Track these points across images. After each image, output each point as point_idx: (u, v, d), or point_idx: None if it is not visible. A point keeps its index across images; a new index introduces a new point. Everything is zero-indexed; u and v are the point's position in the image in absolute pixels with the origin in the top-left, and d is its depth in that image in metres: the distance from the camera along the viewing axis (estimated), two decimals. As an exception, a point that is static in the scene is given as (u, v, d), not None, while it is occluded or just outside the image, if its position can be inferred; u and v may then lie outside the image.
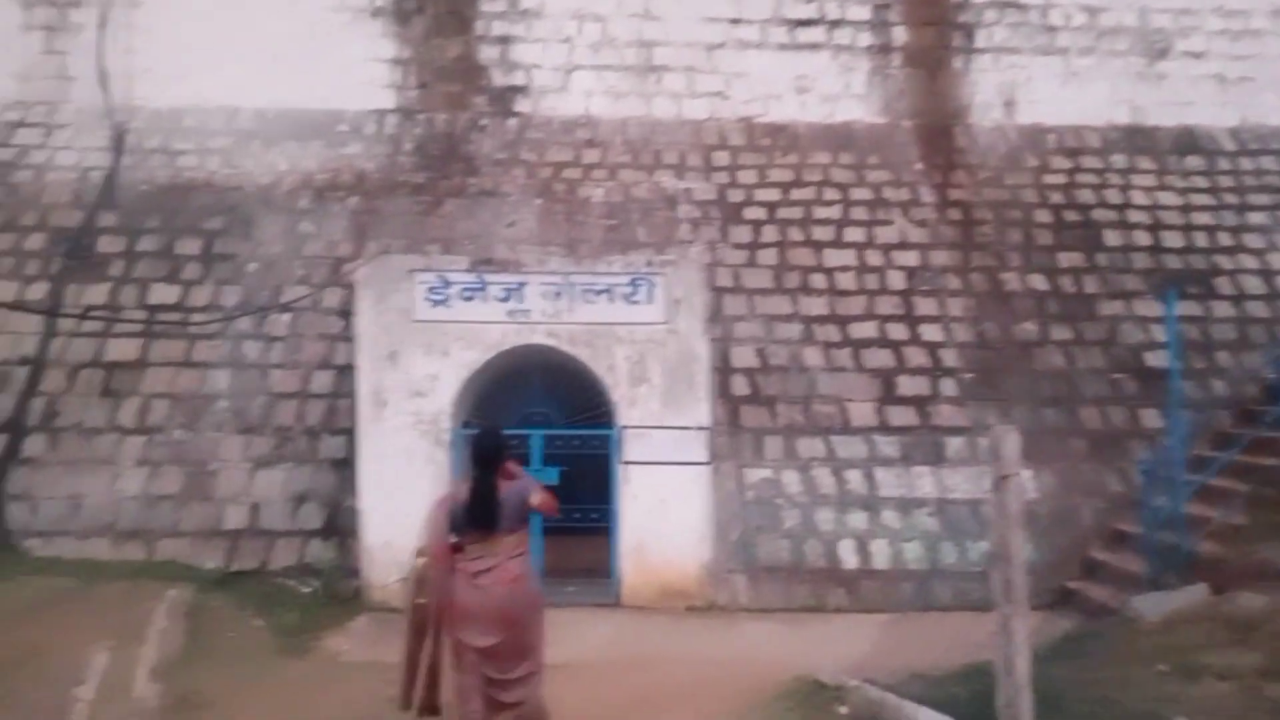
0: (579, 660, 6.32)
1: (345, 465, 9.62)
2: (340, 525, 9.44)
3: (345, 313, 10.58)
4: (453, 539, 5.17)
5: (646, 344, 9.39)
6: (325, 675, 7.11)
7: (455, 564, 5.14)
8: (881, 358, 10.85)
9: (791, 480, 9.95)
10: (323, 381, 10.37)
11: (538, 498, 5.31)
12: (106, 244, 11.26)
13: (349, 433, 9.67)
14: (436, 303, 9.44)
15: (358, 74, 12.63)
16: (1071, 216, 12.17)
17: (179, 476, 9.68)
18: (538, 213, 11.91)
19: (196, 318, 10.59)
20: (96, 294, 10.81)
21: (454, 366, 9.35)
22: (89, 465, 9.68)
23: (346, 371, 10.14)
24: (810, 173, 12.49)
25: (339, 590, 8.95)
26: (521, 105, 12.81)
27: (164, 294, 10.91)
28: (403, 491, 9.07)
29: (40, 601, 7.72)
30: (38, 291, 10.68)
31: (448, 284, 9.46)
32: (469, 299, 9.46)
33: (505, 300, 9.45)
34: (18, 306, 10.14)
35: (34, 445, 9.77)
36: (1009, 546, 4.26)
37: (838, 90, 12.99)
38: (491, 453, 5.30)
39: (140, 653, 6.80)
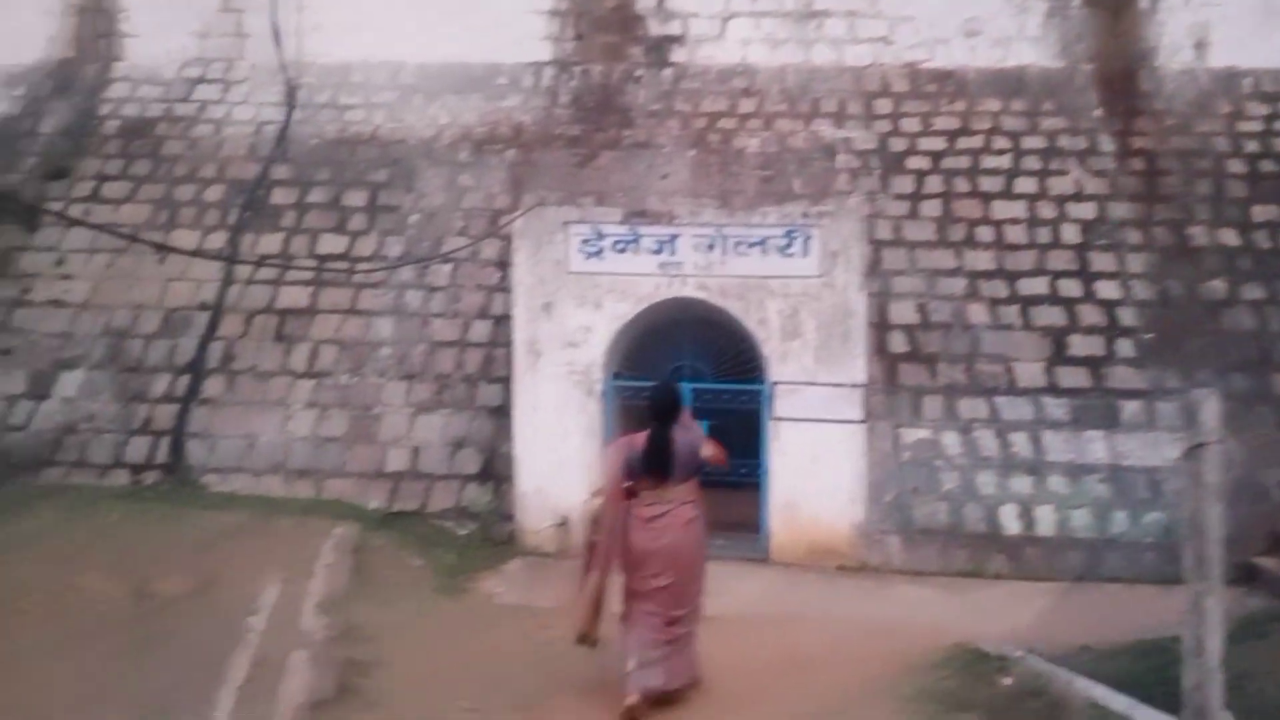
0: (729, 614, 6.27)
1: (501, 413, 9.81)
2: (496, 470, 9.65)
3: (503, 264, 10.76)
4: (628, 484, 5.50)
5: (801, 298, 9.15)
6: (479, 616, 7.31)
7: (630, 508, 5.48)
8: (1052, 315, 10.27)
9: (951, 442, 9.57)
10: (481, 331, 10.59)
11: (708, 450, 5.63)
12: (280, 195, 11.76)
13: (505, 381, 9.84)
14: (590, 254, 9.45)
15: (516, 27, 12.70)
16: (1268, 166, 11.18)
17: (345, 419, 10.09)
18: (691, 164, 11.76)
19: (362, 267, 10.97)
20: (270, 243, 11.33)
21: (606, 318, 9.36)
22: (262, 406, 10.19)
23: (503, 321, 10.32)
24: (979, 120, 11.87)
25: (494, 533, 9.18)
26: (677, 55, 12.63)
27: (332, 244, 11.33)
28: (555, 440, 9.23)
29: (217, 535, 8.17)
30: (217, 240, 11.27)
31: (601, 236, 9.45)
32: (621, 251, 9.43)
33: (657, 252, 9.37)
34: (199, 254, 10.71)
35: (213, 386, 10.34)
36: (1204, 519, 3.91)
37: (1011, 33, 12.26)
38: (669, 404, 5.65)
39: (308, 587, 7.12)
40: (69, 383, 10.33)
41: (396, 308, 10.78)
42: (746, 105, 12.27)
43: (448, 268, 11.02)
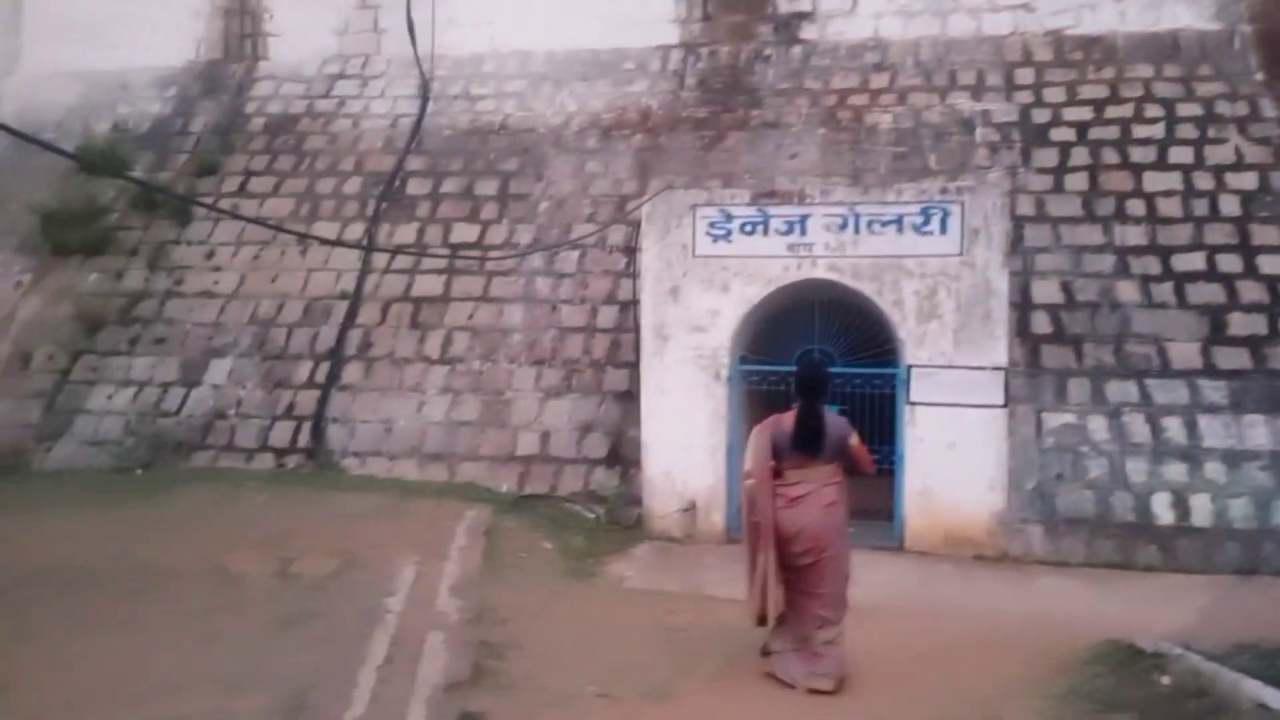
0: (865, 604, 6.04)
1: (628, 397, 9.81)
2: (623, 455, 9.66)
3: (630, 249, 10.77)
4: (774, 463, 5.52)
5: (938, 277, 8.81)
6: (609, 599, 7.30)
7: (775, 488, 5.49)
8: (1209, 293, 9.63)
9: (1098, 427, 9.08)
10: (608, 316, 10.60)
11: (857, 440, 5.66)
12: (415, 186, 12.05)
13: (632, 366, 9.84)
14: (717, 237, 9.33)
15: (643, 11, 12.68)
16: None
17: (477, 404, 10.26)
18: (821, 143, 11.51)
19: (493, 255, 11.12)
20: (406, 233, 11.61)
21: (733, 301, 9.23)
22: (398, 392, 10.46)
23: (630, 307, 10.33)
24: (1128, 88, 11.23)
25: (621, 517, 9.19)
26: (807, 32, 12.38)
27: (465, 233, 11.54)
28: (682, 424, 9.17)
29: (356, 517, 8.43)
30: (355, 231, 11.62)
31: (729, 218, 9.31)
32: (750, 233, 9.27)
33: (787, 233, 9.18)
34: (339, 243, 11.04)
35: (352, 373, 10.68)
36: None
37: (1163, -6, 11.55)
38: (818, 382, 5.73)
39: (443, 568, 7.24)
40: (218, 370, 10.83)
41: (526, 294, 10.89)
42: (879, 80, 11.92)
43: (576, 254, 11.08)
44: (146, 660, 5.69)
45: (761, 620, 5.59)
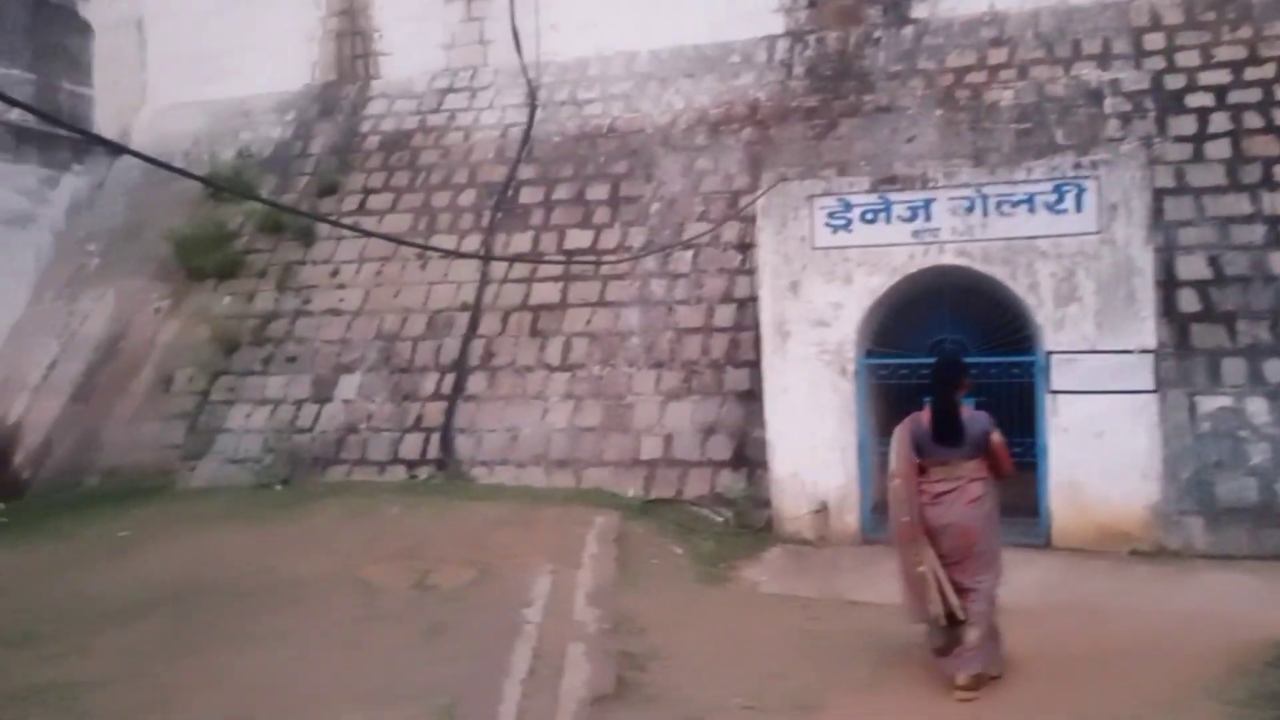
0: (1015, 604, 5.78)
1: (750, 397, 9.64)
2: (748, 456, 9.48)
3: (744, 246, 10.60)
4: (917, 461, 5.50)
5: (1076, 257, 8.38)
6: (745, 606, 7.16)
7: (919, 485, 5.47)
8: (1374, 259, 8.92)
9: (1258, 409, 8.49)
10: (725, 315, 10.46)
11: (999, 438, 5.54)
12: (527, 195, 12.12)
13: (753, 365, 9.66)
14: (837, 228, 9.08)
15: (747, 2, 12.49)
16: None
17: (599, 410, 10.24)
18: (939, 124, 11.11)
19: (607, 259, 11.10)
20: (521, 242, 11.69)
21: (857, 293, 8.96)
22: (522, 400, 10.52)
23: (748, 304, 10.15)
24: (1269, 47, 10.52)
25: (750, 520, 9.02)
26: (918, 10, 11.99)
27: (578, 239, 11.55)
28: (808, 423, 8.95)
29: (488, 525, 8.50)
30: (472, 243, 11.76)
31: (848, 207, 9.05)
32: (871, 221, 8.99)
33: (910, 220, 8.86)
34: (458, 255, 11.17)
35: (476, 383, 10.78)
36: None
37: (1306, -58, 10.77)
38: (949, 373, 5.65)
39: (577, 577, 7.23)
40: (348, 386, 11.08)
41: (642, 297, 10.83)
42: (997, 56, 11.46)
43: (689, 254, 10.97)
44: (297, 673, 5.83)
45: (925, 621, 5.49)
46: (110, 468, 11.04)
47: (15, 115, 12.15)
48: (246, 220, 12.78)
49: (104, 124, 13.88)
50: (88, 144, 13.34)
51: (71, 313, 12.60)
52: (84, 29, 14.18)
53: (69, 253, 13.17)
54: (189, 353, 11.78)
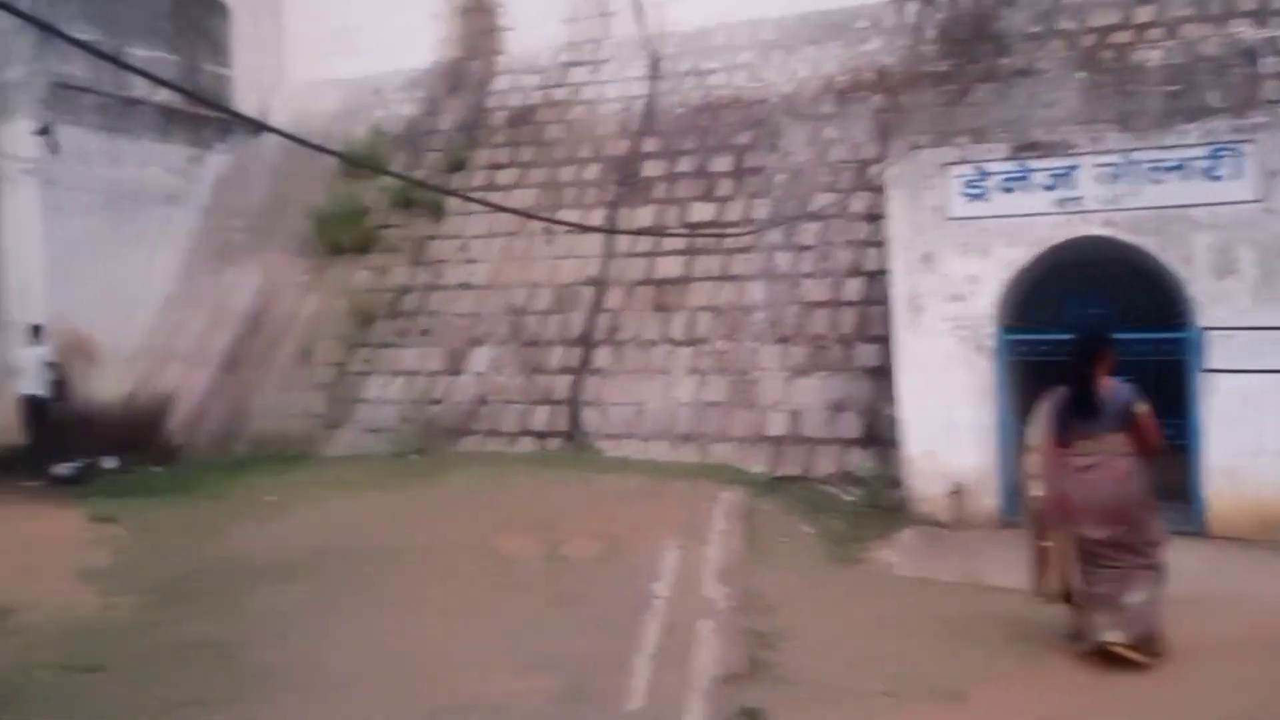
0: (1173, 594, 5.50)
1: (881, 373, 9.43)
2: (879, 434, 9.29)
3: (873, 217, 10.34)
4: (1059, 436, 5.40)
5: (1233, 227, 7.87)
6: (879, 588, 7.03)
7: (1062, 459, 5.36)
8: None
9: None
10: (854, 289, 10.25)
11: (1145, 409, 5.35)
12: (650, 168, 12.09)
13: (883, 340, 9.44)
14: (973, 197, 8.74)
15: (874, -35, 12.12)
16: None
17: (724, 384, 10.19)
18: (1081, 87, 10.60)
19: (731, 232, 10.99)
20: (644, 216, 11.68)
21: (995, 266, 8.62)
22: (647, 374, 10.56)
23: (877, 278, 9.91)
24: None
25: (881, 500, 8.83)
26: (1060, -34, 11.41)
27: (701, 211, 11.48)
28: (943, 401, 8.69)
29: (615, 497, 8.59)
30: (596, 217, 11.80)
31: (985, 175, 8.70)
32: (1009, 190, 8.63)
33: (1052, 188, 8.47)
34: (584, 228, 11.21)
35: (601, 357, 10.87)
36: None
37: None
38: (1090, 345, 5.47)
39: (705, 553, 7.23)
40: (479, 358, 11.33)
41: (767, 271, 10.70)
42: (1144, 14, 10.86)
43: (816, 226, 10.78)
44: (434, 639, 6.01)
45: (1049, 597, 5.46)
46: (257, 434, 11.57)
47: (163, 96, 12.71)
48: (380, 196, 13.12)
49: (243, 103, 14.40)
50: (230, 123, 13.88)
51: (219, 286, 13.19)
52: (222, 11, 14.71)
53: (215, 228, 13.78)
54: (328, 325, 12.23)
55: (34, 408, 10.97)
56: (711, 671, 5.37)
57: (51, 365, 11.04)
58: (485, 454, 10.41)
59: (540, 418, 10.66)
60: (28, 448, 11.03)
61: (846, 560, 7.60)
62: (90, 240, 12.05)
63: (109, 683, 5.38)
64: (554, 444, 10.42)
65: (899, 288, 9.03)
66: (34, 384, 10.94)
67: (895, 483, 8.88)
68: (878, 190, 10.00)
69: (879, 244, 9.97)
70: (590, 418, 10.49)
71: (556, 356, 11.00)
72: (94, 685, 5.35)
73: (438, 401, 11.12)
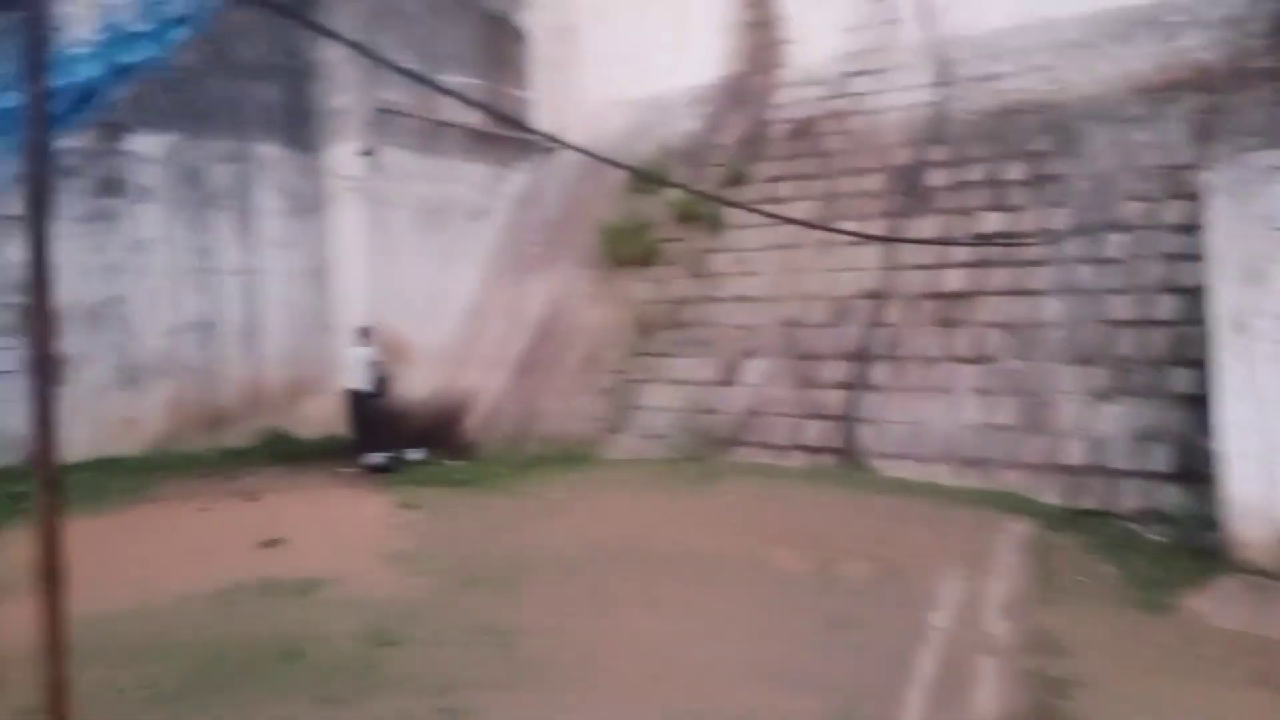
0: None
1: (1198, 401, 8.52)
2: (1193, 468, 8.40)
3: (1188, 228, 9.42)
4: None
5: None
6: (1191, 641, 6.32)
7: None
8: None
9: None
10: (1167, 306, 9.38)
11: None
12: (935, 177, 11.66)
13: (1200, 364, 8.54)
14: (1313, 207, 7.74)
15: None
16: None
17: (1014, 407, 9.61)
18: None
19: (1026, 243, 10.37)
20: (928, 227, 11.27)
21: (1339, 284, 7.59)
22: (928, 393, 10.15)
23: (1194, 295, 8.99)
24: None
25: (1196, 542, 7.96)
26: None
27: (991, 222, 10.92)
28: (1272, 433, 7.73)
29: (891, 519, 8.34)
30: (877, 229, 11.50)
31: (1326, 182, 7.69)
32: (1354, 198, 7.57)
33: None
34: (868, 238, 10.93)
35: (879, 373, 10.58)
36: None
37: None
38: None
39: (988, 585, 6.86)
40: (752, 370, 11.36)
41: (1065, 285, 10.01)
42: None
43: (1123, 237, 9.97)
44: (704, 646, 6.07)
45: None
46: (545, 435, 12.24)
47: (470, 119, 13.74)
48: (663, 211, 13.50)
49: (540, 125, 15.29)
50: (528, 144, 14.78)
51: (515, 295, 14.07)
52: (522, 38, 15.70)
53: (513, 242, 14.71)
54: (612, 334, 12.73)
55: (357, 402, 12.18)
56: (992, 713, 5.08)
57: (376, 364, 12.22)
58: (757, 465, 10.43)
59: (812, 432, 10.53)
60: (349, 437, 12.27)
61: (1152, 606, 6.91)
62: (405, 252, 13.29)
63: (399, 656, 5.81)
64: (826, 460, 10.25)
65: (1220, 306, 8.15)
66: (359, 380, 12.15)
67: (1211, 524, 7.97)
68: (1194, 198, 9.09)
69: (1195, 257, 9.04)
70: (866, 435, 10.23)
71: (831, 371, 10.83)
72: (386, 658, 5.78)
73: (711, 411, 11.27)
